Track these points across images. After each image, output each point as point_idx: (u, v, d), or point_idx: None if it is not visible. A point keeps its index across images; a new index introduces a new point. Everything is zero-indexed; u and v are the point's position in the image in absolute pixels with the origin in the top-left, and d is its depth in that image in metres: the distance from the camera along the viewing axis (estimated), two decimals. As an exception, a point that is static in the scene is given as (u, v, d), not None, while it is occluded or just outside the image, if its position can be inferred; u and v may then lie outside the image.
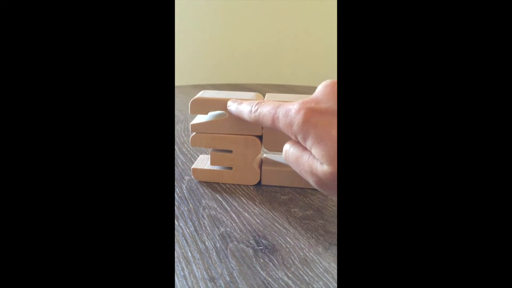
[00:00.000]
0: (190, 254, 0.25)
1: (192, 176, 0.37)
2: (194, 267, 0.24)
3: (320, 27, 1.01)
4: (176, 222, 0.30)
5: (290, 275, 0.24)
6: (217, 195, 0.34)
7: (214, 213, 0.31)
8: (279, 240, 0.27)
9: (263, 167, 0.36)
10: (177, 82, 0.95)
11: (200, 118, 0.36)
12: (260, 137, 0.35)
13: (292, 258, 0.26)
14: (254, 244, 0.27)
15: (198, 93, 0.36)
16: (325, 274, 0.24)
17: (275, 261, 0.25)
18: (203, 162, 0.38)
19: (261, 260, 0.25)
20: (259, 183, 0.37)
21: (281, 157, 0.39)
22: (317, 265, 0.25)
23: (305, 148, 0.25)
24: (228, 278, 0.23)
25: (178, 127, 0.55)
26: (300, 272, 0.24)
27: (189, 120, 0.59)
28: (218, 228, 0.29)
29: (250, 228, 0.29)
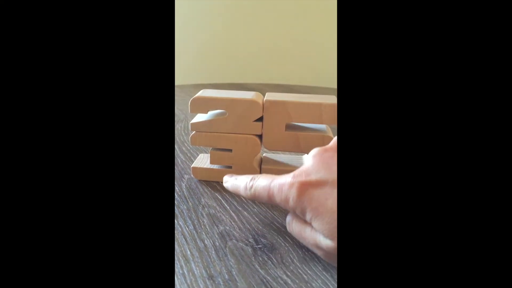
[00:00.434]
0: (189, 252, 0.26)
1: (192, 175, 0.37)
2: (193, 265, 0.24)
3: (321, 27, 1.01)
4: (175, 220, 0.30)
5: (289, 273, 0.24)
6: (216, 194, 0.34)
7: (214, 211, 0.31)
8: (278, 239, 0.27)
9: (262, 166, 0.36)
10: (178, 82, 0.95)
11: (200, 117, 0.36)
12: (260, 136, 0.35)
13: (291, 256, 0.26)
14: (253, 242, 0.27)
15: (198, 92, 0.36)
16: (323, 273, 0.24)
17: (274, 259, 0.25)
18: (203, 161, 0.38)
19: (260, 259, 0.25)
20: (259, 182, 0.37)
21: (281, 156, 0.39)
22: (316, 264, 0.25)
23: (306, 221, 0.24)
24: (227, 276, 0.23)
25: (178, 126, 0.55)
26: (299, 270, 0.24)
27: (189, 119, 0.59)
28: (217, 226, 0.29)
29: (249, 227, 0.29)
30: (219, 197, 0.34)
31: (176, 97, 0.75)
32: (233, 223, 0.29)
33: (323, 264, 0.25)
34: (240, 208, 0.32)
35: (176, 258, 0.25)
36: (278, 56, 1.04)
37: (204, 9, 0.98)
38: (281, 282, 0.23)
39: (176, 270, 0.24)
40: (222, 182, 0.36)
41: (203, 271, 0.24)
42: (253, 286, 0.23)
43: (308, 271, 0.24)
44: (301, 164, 0.37)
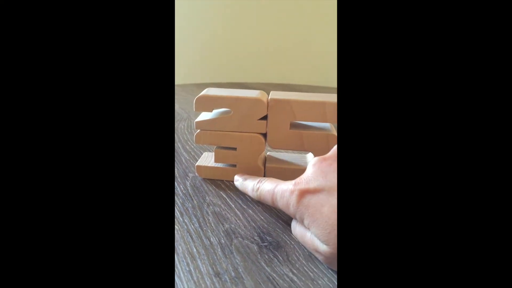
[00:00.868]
0: (195, 250, 0.26)
1: (196, 173, 0.37)
2: (199, 262, 0.24)
3: (323, 26, 1.01)
4: (180, 218, 0.30)
5: (295, 271, 0.24)
6: (221, 192, 0.34)
7: (219, 209, 0.31)
8: (283, 237, 0.28)
9: (267, 165, 0.36)
10: (180, 81, 0.95)
11: (204, 116, 0.36)
12: (264, 135, 0.35)
13: (297, 254, 0.26)
14: (259, 240, 0.27)
15: (201, 91, 0.36)
16: (329, 270, 0.24)
17: (279, 257, 0.25)
18: (207, 159, 0.38)
19: (266, 256, 0.25)
20: (263, 180, 0.37)
21: (285, 155, 0.39)
22: (321, 262, 0.25)
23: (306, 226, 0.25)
24: (233, 274, 0.23)
25: (181, 125, 0.55)
26: (305, 268, 0.24)
27: (192, 118, 0.59)
28: (222, 224, 0.29)
29: (254, 225, 0.29)
30: (224, 195, 0.34)
31: (178, 96, 0.76)
32: (238, 221, 0.30)
33: (329, 262, 0.25)
34: (245, 206, 0.32)
35: (182, 255, 0.25)
36: (281, 56, 1.04)
37: (207, 8, 0.98)
38: (287, 279, 0.23)
39: (183, 267, 0.24)
40: (226, 181, 0.36)
41: (210, 268, 0.24)
42: (260, 283, 0.23)
43: (314, 269, 0.24)
44: (305, 163, 0.37)
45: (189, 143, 0.47)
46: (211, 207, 0.32)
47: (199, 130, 0.36)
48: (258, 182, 0.30)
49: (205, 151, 0.43)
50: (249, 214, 0.31)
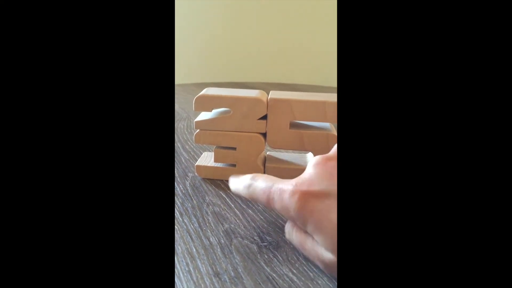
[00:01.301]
0: (194, 250, 0.26)
1: (196, 173, 0.37)
2: (198, 262, 0.24)
3: (323, 26, 1.01)
4: (180, 218, 0.30)
5: (294, 271, 0.24)
6: (221, 192, 0.34)
7: (218, 209, 0.31)
8: (283, 237, 0.28)
9: (266, 165, 0.36)
10: (180, 81, 0.95)
11: (204, 115, 0.36)
12: (264, 135, 0.35)
13: (297, 254, 0.26)
14: (259, 240, 0.27)
15: (201, 91, 0.36)
16: (329, 270, 0.24)
17: (279, 257, 0.25)
18: (207, 159, 0.38)
19: (266, 256, 0.25)
20: (263, 180, 0.37)
21: (285, 155, 0.39)
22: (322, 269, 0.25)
23: (306, 232, 0.23)
24: (232, 274, 0.23)
25: (181, 125, 0.55)
26: (305, 268, 0.24)
27: (191, 118, 0.59)
28: (222, 224, 0.29)
29: (254, 225, 0.29)
30: (224, 195, 0.34)
31: (178, 96, 0.75)
32: (238, 221, 0.30)
33: (329, 262, 0.25)
34: (244, 206, 0.32)
35: (182, 255, 0.25)
36: (281, 55, 1.04)
37: (207, 8, 0.98)
38: (287, 279, 0.23)
39: (182, 267, 0.24)
40: (226, 180, 0.36)
41: (209, 268, 0.24)
42: (259, 283, 0.23)
43: (314, 269, 0.24)
44: (305, 162, 0.37)
45: (189, 143, 0.47)
46: (210, 207, 0.32)
47: (198, 130, 0.36)
48: (251, 179, 0.26)
49: (204, 151, 0.43)
50: (249, 214, 0.31)
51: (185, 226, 0.28)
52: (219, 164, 0.37)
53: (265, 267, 0.24)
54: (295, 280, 0.23)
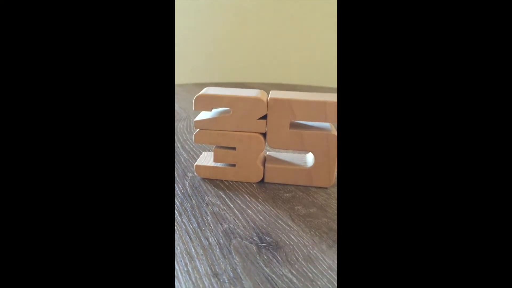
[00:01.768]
0: (193, 250, 0.25)
1: (195, 173, 0.37)
2: (197, 262, 0.24)
3: (323, 27, 1.01)
4: (179, 218, 0.29)
5: (294, 271, 0.24)
6: (220, 192, 0.34)
7: (217, 209, 0.31)
8: (282, 237, 0.27)
9: (266, 165, 0.36)
10: (180, 81, 0.95)
11: (204, 115, 0.36)
12: (264, 134, 0.35)
13: (296, 255, 0.25)
14: (258, 240, 0.27)
15: (201, 91, 0.36)
16: (329, 271, 0.24)
17: (278, 257, 0.25)
18: (206, 159, 0.38)
19: (265, 257, 0.25)
20: (262, 180, 0.36)
21: (285, 155, 0.39)
22: (321, 262, 0.25)
23: None
24: (231, 274, 0.23)
25: (180, 125, 0.55)
26: (304, 269, 0.24)
27: (191, 118, 0.59)
28: (221, 224, 0.29)
29: (253, 225, 0.29)
30: (223, 195, 0.33)
31: (178, 96, 0.75)
32: (237, 221, 0.29)
33: (328, 263, 0.25)
34: (244, 206, 0.32)
35: (180, 256, 0.25)
36: (281, 56, 1.04)
37: (207, 8, 0.98)
38: (286, 280, 0.23)
39: (181, 267, 0.24)
40: (225, 181, 0.36)
41: (208, 268, 0.24)
42: (258, 284, 0.22)
43: (313, 270, 0.24)
44: (305, 163, 0.36)
45: (188, 143, 0.47)
46: (210, 207, 0.31)
47: (198, 130, 0.35)
48: None
49: (204, 150, 0.43)
50: (248, 214, 0.30)
51: (184, 226, 0.28)
52: (218, 164, 0.37)
53: (264, 268, 0.24)
54: (295, 281, 0.23)
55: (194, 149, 0.45)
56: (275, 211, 0.31)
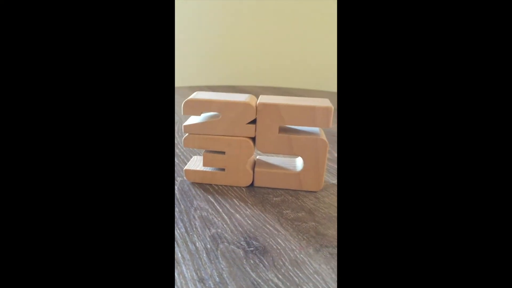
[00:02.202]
0: (180, 255, 0.25)
1: (185, 177, 0.37)
2: (183, 268, 0.24)
3: (318, 30, 1.01)
4: (167, 223, 0.29)
5: (280, 276, 0.24)
6: (209, 197, 0.34)
7: (206, 214, 0.31)
8: (270, 242, 0.27)
9: (256, 169, 0.36)
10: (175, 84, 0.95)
11: (193, 119, 0.36)
12: (253, 139, 0.35)
13: (283, 259, 0.25)
14: (245, 245, 0.27)
15: (192, 94, 0.36)
16: (315, 276, 0.24)
17: (265, 262, 0.25)
18: (196, 163, 0.38)
19: (252, 261, 0.25)
20: (252, 184, 0.37)
21: (275, 159, 0.39)
22: (307, 267, 0.25)
23: None
24: (217, 279, 0.23)
25: (172, 129, 0.55)
26: (290, 273, 0.24)
27: (183, 122, 0.59)
28: (209, 229, 0.29)
29: (241, 230, 0.29)
30: (212, 200, 0.34)
31: (171, 99, 0.75)
32: (225, 225, 0.29)
33: (315, 267, 0.25)
34: (232, 211, 0.32)
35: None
36: (275, 59, 1.04)
37: (202, 12, 0.98)
38: (272, 285, 0.23)
39: (167, 273, 0.24)
40: (215, 185, 0.36)
41: (194, 274, 0.24)
42: (244, 289, 0.22)
43: (300, 274, 0.24)
44: (294, 167, 0.37)
45: (179, 147, 0.47)
46: (198, 211, 0.31)
47: (187, 134, 0.35)
48: None
49: (195, 154, 0.43)
50: (237, 218, 0.31)
51: (171, 231, 0.28)
52: (208, 168, 0.37)
53: (251, 272, 0.24)
54: (280, 285, 0.23)
55: (184, 153, 0.45)
56: (264, 216, 0.31)
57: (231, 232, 0.29)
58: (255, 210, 0.32)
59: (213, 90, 0.75)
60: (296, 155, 0.36)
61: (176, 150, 0.46)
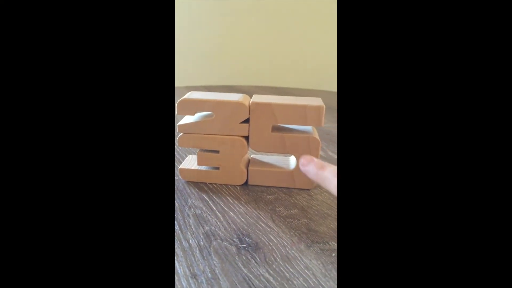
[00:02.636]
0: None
1: (179, 176, 0.38)
2: (176, 264, 0.25)
3: (315, 30, 1.02)
4: (161, 221, 0.30)
5: (271, 271, 0.24)
6: (203, 195, 0.35)
7: (200, 212, 0.31)
8: (262, 238, 0.28)
9: (249, 167, 0.37)
10: (171, 84, 0.95)
11: (187, 119, 0.36)
12: (247, 138, 0.36)
13: (274, 255, 0.26)
14: (238, 242, 0.27)
15: (185, 94, 0.37)
16: (305, 271, 0.25)
17: (257, 258, 0.26)
18: (191, 162, 0.39)
19: (244, 258, 0.26)
20: (246, 183, 0.37)
21: (269, 158, 0.39)
22: (298, 262, 0.25)
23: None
24: (210, 275, 0.24)
25: (169, 129, 0.56)
26: (281, 268, 0.25)
27: (177, 121, 0.59)
28: (202, 226, 0.29)
29: (234, 227, 0.29)
30: (206, 198, 0.34)
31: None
32: (218, 223, 0.30)
33: (305, 263, 0.25)
34: (226, 209, 0.32)
35: (160, 257, 0.25)
36: (272, 59, 1.05)
37: (199, 12, 0.99)
38: (263, 280, 0.23)
39: (160, 269, 0.24)
40: (209, 183, 0.37)
41: (187, 270, 0.24)
42: (236, 284, 0.23)
43: (290, 269, 0.25)
44: (287, 165, 0.37)
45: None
46: (192, 209, 0.32)
47: (182, 133, 0.36)
48: (320, 168, 0.27)
49: (190, 153, 0.44)
50: (230, 216, 0.31)
51: (166, 229, 0.29)
52: (202, 167, 0.37)
53: (243, 268, 0.24)
54: (271, 280, 0.23)
55: (179, 152, 0.45)
56: (257, 213, 0.32)
57: (224, 229, 0.29)
58: (248, 208, 0.32)
59: (211, 90, 0.76)
60: (289, 154, 0.36)
61: (172, 150, 0.46)
